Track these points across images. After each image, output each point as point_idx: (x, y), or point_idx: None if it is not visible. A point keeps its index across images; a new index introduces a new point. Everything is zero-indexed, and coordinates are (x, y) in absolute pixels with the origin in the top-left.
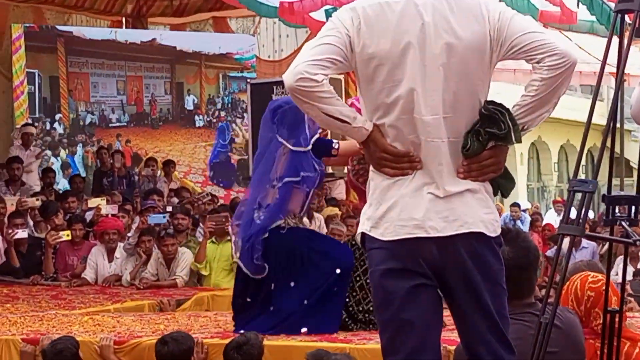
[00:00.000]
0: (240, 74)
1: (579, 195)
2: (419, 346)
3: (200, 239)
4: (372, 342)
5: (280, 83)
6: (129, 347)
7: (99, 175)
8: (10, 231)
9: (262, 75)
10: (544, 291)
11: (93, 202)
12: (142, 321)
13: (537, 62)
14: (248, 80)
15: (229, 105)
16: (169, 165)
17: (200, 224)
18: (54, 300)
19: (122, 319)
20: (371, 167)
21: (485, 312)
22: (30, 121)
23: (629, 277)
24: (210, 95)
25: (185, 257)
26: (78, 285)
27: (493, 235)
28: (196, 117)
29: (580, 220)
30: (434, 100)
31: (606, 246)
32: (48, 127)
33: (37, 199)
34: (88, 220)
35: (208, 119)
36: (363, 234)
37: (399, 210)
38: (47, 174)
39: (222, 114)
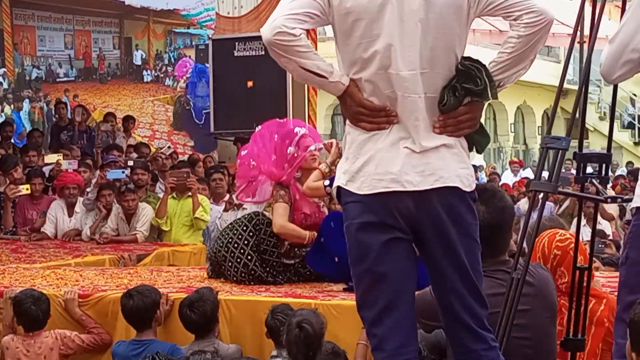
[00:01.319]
0: (185, 30)
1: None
2: (394, 299)
3: (161, 195)
4: (336, 299)
5: (242, 39)
6: (93, 300)
7: (57, 129)
8: None
9: (221, 32)
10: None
11: (50, 157)
12: (104, 275)
13: (515, 20)
14: (209, 35)
15: (175, 61)
16: (128, 120)
17: (160, 179)
18: (14, 254)
19: (85, 273)
20: (347, 122)
21: (459, 265)
22: None
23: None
24: (158, 50)
25: (145, 212)
26: (38, 240)
27: (468, 190)
28: (144, 72)
29: (553, 177)
30: (411, 55)
31: (563, 206)
32: None
33: None
34: (47, 174)
35: (156, 74)
36: (339, 187)
37: (376, 164)
38: (4, 127)
39: (169, 69)
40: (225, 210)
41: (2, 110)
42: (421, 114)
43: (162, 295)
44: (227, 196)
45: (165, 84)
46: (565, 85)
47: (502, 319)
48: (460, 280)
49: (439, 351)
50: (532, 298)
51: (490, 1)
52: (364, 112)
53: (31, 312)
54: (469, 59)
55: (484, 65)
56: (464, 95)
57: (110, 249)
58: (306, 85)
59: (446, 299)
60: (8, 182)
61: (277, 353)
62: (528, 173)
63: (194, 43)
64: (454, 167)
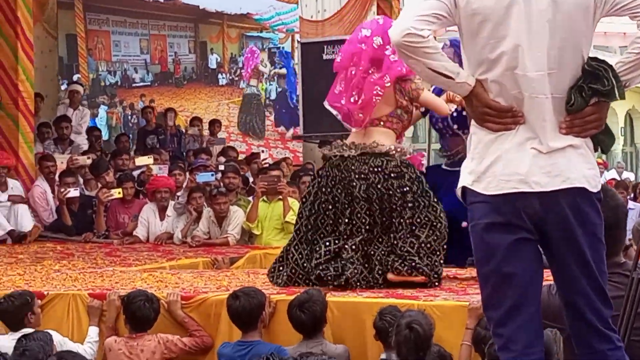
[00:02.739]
0: (257, 34)
1: None
2: (521, 299)
3: (251, 199)
4: (438, 299)
5: (330, 43)
6: (196, 302)
7: (143, 133)
8: (62, 190)
9: (305, 35)
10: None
11: (141, 160)
12: (202, 278)
13: None
14: (298, 40)
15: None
16: (214, 124)
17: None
18: (108, 257)
19: (182, 275)
20: (473, 122)
21: (585, 265)
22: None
23: None
24: (232, 54)
25: (237, 215)
26: (130, 243)
27: (594, 190)
28: (219, 76)
29: None
30: (539, 56)
31: None
32: (64, 87)
33: (88, 157)
34: (137, 178)
35: (230, 77)
36: (464, 187)
37: (503, 165)
38: (92, 132)
39: (244, 72)
40: None
41: (97, 116)
42: (548, 114)
43: (265, 297)
44: None
45: (240, 86)
46: None
47: (622, 321)
48: (586, 280)
49: (546, 351)
50: None
51: (617, 1)
52: (491, 112)
53: (143, 311)
54: (595, 59)
55: (610, 66)
56: (591, 96)
57: (202, 252)
58: None
59: (572, 299)
60: (100, 186)
61: (386, 356)
62: (612, 174)
63: (265, 47)
64: (580, 167)
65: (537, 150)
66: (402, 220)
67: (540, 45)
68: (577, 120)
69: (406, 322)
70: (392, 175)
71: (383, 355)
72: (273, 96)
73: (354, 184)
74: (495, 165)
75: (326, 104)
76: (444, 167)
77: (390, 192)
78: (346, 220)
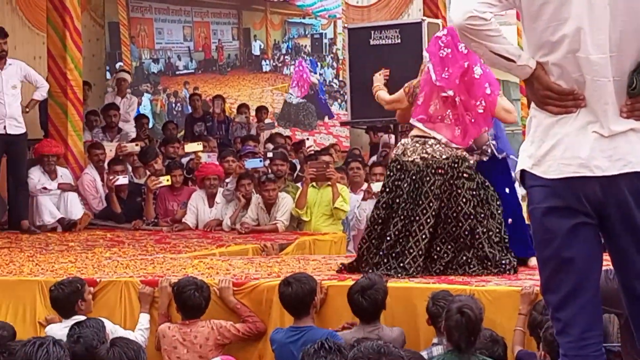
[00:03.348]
0: (300, 20)
1: None
2: (580, 284)
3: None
4: (490, 284)
5: (378, 28)
6: (248, 288)
7: (191, 121)
8: (111, 177)
9: (350, 21)
10: None
11: (190, 146)
12: (253, 264)
13: None
14: (345, 25)
15: (292, 50)
16: (261, 111)
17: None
18: (158, 244)
19: (233, 262)
20: (532, 105)
21: None
22: None
23: None
24: (275, 40)
25: (285, 202)
26: (179, 230)
27: None
28: (263, 62)
29: None
30: (601, 39)
31: None
32: (108, 76)
33: (137, 144)
34: (185, 165)
35: (274, 64)
36: (523, 171)
37: (563, 149)
38: (140, 120)
39: (287, 58)
40: (364, 199)
41: (141, 104)
42: (610, 98)
43: (317, 282)
44: (365, 185)
45: (284, 73)
46: None
47: None
48: None
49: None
50: None
51: None
52: (552, 95)
53: (194, 300)
54: None
55: None
56: None
57: (252, 238)
58: None
59: (630, 284)
60: (149, 173)
61: (438, 340)
62: None
63: (307, 33)
64: None
65: (598, 134)
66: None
67: (602, 28)
68: (638, 104)
69: (457, 306)
70: (465, 175)
71: (435, 340)
72: None
73: (429, 178)
74: (555, 149)
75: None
76: None
77: (459, 192)
78: (415, 214)
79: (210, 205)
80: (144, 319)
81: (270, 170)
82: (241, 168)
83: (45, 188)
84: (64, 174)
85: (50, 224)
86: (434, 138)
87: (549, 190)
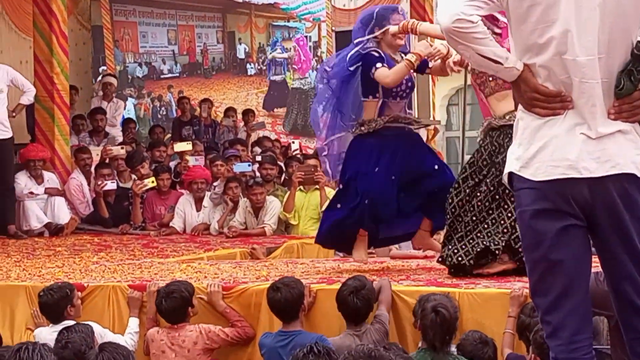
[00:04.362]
0: (284, 23)
1: None
2: (569, 286)
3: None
4: (479, 287)
5: None
6: (236, 292)
7: (179, 124)
8: (99, 182)
9: (337, 24)
10: None
11: (178, 146)
12: (241, 268)
13: None
14: (332, 28)
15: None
16: (248, 114)
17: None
18: (146, 248)
19: (221, 266)
20: (520, 107)
21: (634, 251)
22: None
23: None
24: (260, 43)
25: (273, 205)
26: (167, 234)
27: None
28: (248, 66)
29: None
30: (589, 40)
31: None
32: (98, 80)
33: (122, 147)
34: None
35: (259, 67)
36: (511, 173)
37: (552, 151)
38: (127, 124)
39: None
40: None
41: (125, 108)
42: (598, 99)
43: (305, 286)
44: None
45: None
46: None
47: None
48: (634, 266)
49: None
50: None
51: None
52: (539, 97)
53: (173, 305)
54: None
55: None
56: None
57: (239, 242)
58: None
59: (620, 286)
60: (134, 178)
61: (423, 344)
62: None
63: (291, 36)
64: (629, 153)
65: (586, 135)
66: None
67: (590, 30)
68: (625, 106)
69: (432, 305)
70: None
71: (421, 344)
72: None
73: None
74: (543, 151)
75: None
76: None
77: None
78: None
79: (198, 209)
80: (134, 323)
81: (259, 174)
82: (229, 172)
83: (32, 193)
84: (51, 179)
85: (37, 228)
86: None
87: (537, 193)
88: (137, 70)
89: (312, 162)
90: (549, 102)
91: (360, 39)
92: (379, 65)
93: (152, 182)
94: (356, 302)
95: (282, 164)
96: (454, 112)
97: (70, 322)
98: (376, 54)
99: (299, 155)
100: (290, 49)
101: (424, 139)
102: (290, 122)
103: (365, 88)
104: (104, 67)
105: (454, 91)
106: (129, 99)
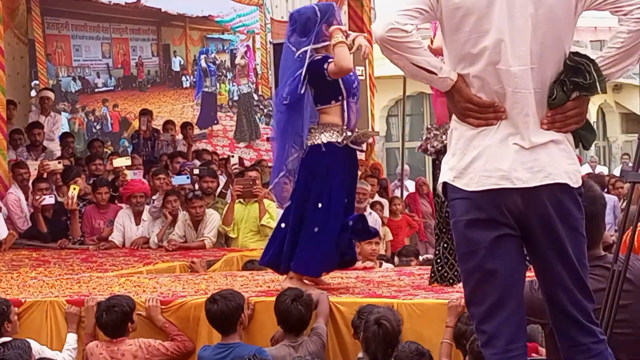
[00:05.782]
0: (218, 36)
1: None
2: (504, 295)
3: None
4: (418, 298)
5: None
6: (175, 306)
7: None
8: (37, 197)
9: (275, 37)
10: None
11: (118, 161)
12: (180, 281)
13: (625, 14)
14: (270, 41)
15: (214, 65)
16: (186, 127)
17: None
18: (85, 263)
19: (160, 280)
20: (454, 117)
21: (567, 260)
22: None
23: None
24: (195, 56)
25: (212, 218)
26: (106, 249)
27: (576, 186)
28: (183, 78)
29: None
30: (522, 50)
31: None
32: (33, 94)
33: (59, 162)
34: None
35: (194, 80)
36: (445, 183)
37: (485, 161)
38: (65, 139)
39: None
40: None
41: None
42: (531, 109)
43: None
44: None
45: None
46: (620, 80)
47: (604, 314)
48: (567, 274)
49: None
50: (631, 293)
51: None
52: (473, 107)
53: (113, 319)
54: (577, 54)
55: (592, 60)
56: (572, 90)
57: (179, 255)
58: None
59: (554, 294)
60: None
61: (363, 355)
62: (586, 169)
63: (226, 48)
64: (562, 163)
65: (519, 145)
66: None
67: (523, 40)
68: (558, 116)
69: (375, 318)
70: None
71: (360, 354)
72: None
73: None
74: (477, 161)
75: None
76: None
77: None
78: None
79: (137, 223)
80: (72, 339)
81: (199, 187)
82: (168, 185)
83: None
84: None
85: None
86: None
87: (471, 203)
88: (71, 84)
89: (252, 174)
90: (482, 113)
91: (302, 51)
92: (330, 61)
93: (74, 188)
94: (300, 309)
95: (221, 177)
96: (394, 123)
97: (7, 339)
98: (318, 57)
99: (237, 170)
100: (227, 59)
101: (364, 149)
102: (241, 131)
103: (325, 94)
104: (37, 82)
105: (394, 102)
106: (63, 113)
